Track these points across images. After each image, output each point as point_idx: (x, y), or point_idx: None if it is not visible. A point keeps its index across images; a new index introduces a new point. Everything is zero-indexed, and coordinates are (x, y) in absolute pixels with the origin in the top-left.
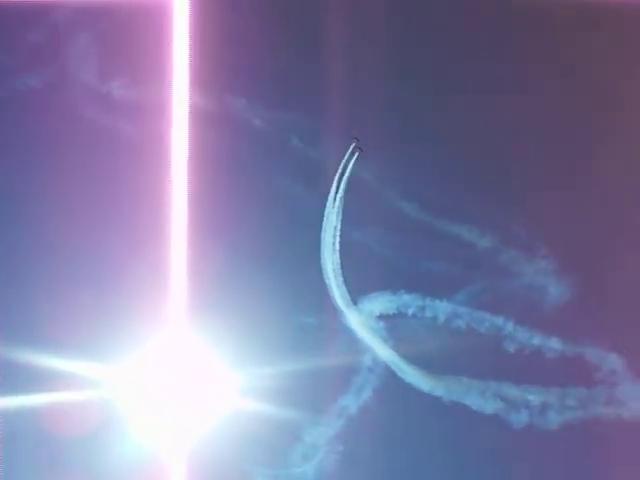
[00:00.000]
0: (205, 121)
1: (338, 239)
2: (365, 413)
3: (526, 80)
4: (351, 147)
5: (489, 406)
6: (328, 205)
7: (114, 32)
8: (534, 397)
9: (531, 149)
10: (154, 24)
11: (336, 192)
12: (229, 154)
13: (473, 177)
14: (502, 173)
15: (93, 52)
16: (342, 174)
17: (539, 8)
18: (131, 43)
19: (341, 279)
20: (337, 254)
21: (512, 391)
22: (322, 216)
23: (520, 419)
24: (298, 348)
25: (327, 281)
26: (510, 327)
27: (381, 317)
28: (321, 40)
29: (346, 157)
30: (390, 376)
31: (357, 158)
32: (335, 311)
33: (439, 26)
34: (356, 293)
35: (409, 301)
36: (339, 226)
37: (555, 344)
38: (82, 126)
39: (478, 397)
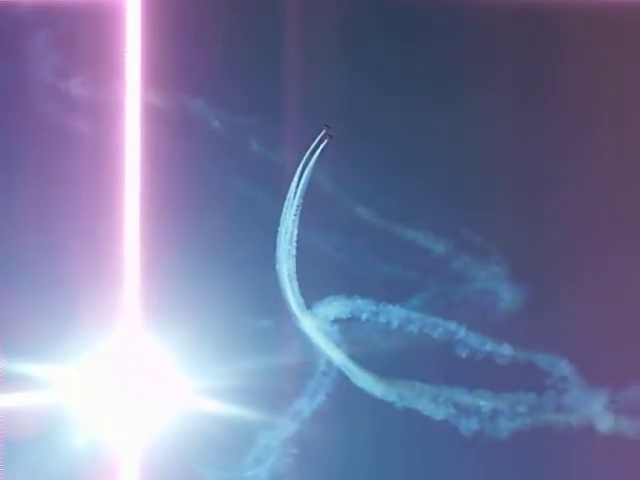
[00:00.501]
0: (162, 121)
1: (294, 244)
2: (319, 417)
3: (479, 87)
4: (322, 133)
5: (441, 412)
6: (285, 209)
7: (70, 31)
8: (485, 403)
9: (486, 157)
10: (110, 24)
11: (294, 196)
12: (186, 155)
13: (429, 184)
14: (457, 181)
15: (50, 50)
16: (307, 162)
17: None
18: (88, 42)
19: (296, 284)
20: (293, 259)
21: (464, 397)
22: (279, 220)
23: (471, 425)
24: (253, 351)
25: (282, 286)
26: (462, 332)
27: (335, 321)
28: (281, 46)
29: (315, 143)
30: (344, 380)
31: (314, 163)
32: (290, 315)
33: (393, 29)
34: (311, 297)
35: (363, 306)
36: (296, 231)
37: (506, 350)
38: (38, 123)
39: (430, 403)
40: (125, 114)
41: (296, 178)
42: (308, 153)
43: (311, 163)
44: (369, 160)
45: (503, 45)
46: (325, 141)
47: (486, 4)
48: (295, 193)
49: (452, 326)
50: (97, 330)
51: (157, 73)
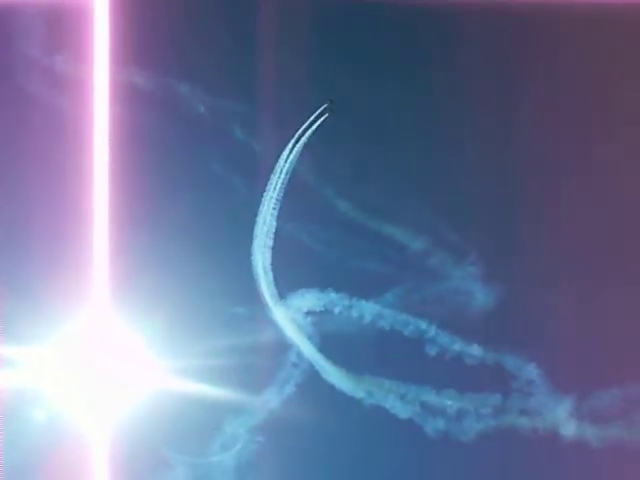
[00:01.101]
0: (145, 102)
1: (272, 235)
2: (287, 407)
3: (464, 87)
4: (323, 107)
5: (407, 410)
6: (265, 200)
7: (53, 7)
8: (451, 402)
9: (468, 157)
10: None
11: (275, 186)
12: (168, 138)
13: (410, 181)
14: (439, 179)
15: (32, 26)
16: (300, 136)
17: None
18: (71, 20)
19: (271, 275)
20: (269, 251)
21: (431, 396)
22: (258, 209)
23: (436, 426)
24: (224, 337)
25: (256, 276)
26: (433, 331)
27: (308, 314)
28: (270, 36)
29: (314, 115)
30: (314, 373)
31: (298, 155)
32: (264, 304)
33: (374, 27)
34: (285, 288)
35: (336, 300)
36: (274, 222)
37: (475, 350)
38: (15, 96)
39: (397, 400)
40: (105, 93)
41: (281, 162)
42: (304, 127)
43: (305, 137)
44: (352, 153)
45: (479, 43)
46: (325, 115)
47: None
48: (277, 182)
49: (423, 324)
50: (66, 310)
51: (143, 54)
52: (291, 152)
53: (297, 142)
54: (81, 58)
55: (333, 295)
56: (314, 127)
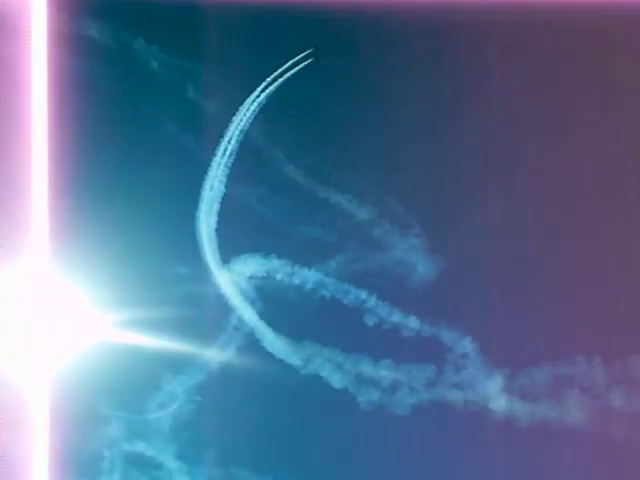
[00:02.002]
0: (97, 55)
1: (219, 200)
2: (226, 370)
3: (408, 64)
4: (307, 52)
5: (343, 380)
6: (214, 164)
7: None
8: (387, 373)
9: (418, 132)
10: None
11: (224, 151)
12: (120, 92)
13: (360, 150)
14: (388, 150)
15: None
16: (278, 77)
17: None
18: None
19: (215, 240)
20: (215, 216)
21: (367, 367)
22: (207, 170)
23: (371, 397)
24: (167, 297)
25: (200, 240)
26: (372, 301)
27: (251, 278)
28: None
29: (296, 59)
30: (255, 338)
31: (252, 116)
32: (208, 266)
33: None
34: (230, 252)
35: (279, 266)
36: (223, 188)
37: (413, 322)
38: None
39: (334, 370)
40: (56, 43)
41: (233, 126)
42: (284, 67)
43: (281, 80)
44: (304, 120)
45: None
46: (308, 61)
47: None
48: (226, 148)
49: (363, 294)
50: (6, 263)
51: (99, 6)
52: (244, 115)
53: (253, 103)
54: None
55: (276, 261)
56: (291, 72)
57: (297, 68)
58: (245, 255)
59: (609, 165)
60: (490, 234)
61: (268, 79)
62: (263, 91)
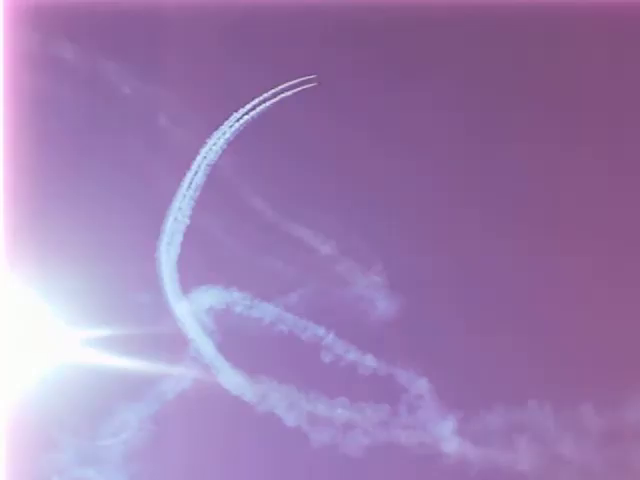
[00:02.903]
0: (71, 77)
1: (182, 231)
2: (181, 401)
3: (378, 102)
4: (311, 77)
5: (297, 418)
6: (179, 196)
7: None
8: (341, 411)
9: (382, 170)
10: None
11: (190, 184)
12: (90, 115)
13: (327, 187)
14: (353, 189)
15: None
16: (275, 96)
17: None
18: None
19: (176, 270)
20: (178, 247)
21: (321, 405)
22: (172, 198)
23: (323, 437)
24: (127, 324)
25: (161, 268)
26: (330, 338)
27: (210, 310)
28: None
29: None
30: (211, 370)
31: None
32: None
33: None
34: (190, 282)
35: (239, 299)
36: (187, 220)
37: (369, 361)
38: None
39: (288, 408)
40: (26, 62)
41: (200, 158)
42: (255, 102)
43: (251, 114)
44: (272, 155)
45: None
46: (311, 85)
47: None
48: (193, 180)
49: (320, 331)
50: None
51: (74, 27)
52: (212, 147)
53: (222, 135)
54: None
55: (236, 294)
56: (289, 92)
57: (267, 103)
58: (205, 286)
59: (565, 210)
60: (452, 276)
61: (238, 113)
62: (233, 124)
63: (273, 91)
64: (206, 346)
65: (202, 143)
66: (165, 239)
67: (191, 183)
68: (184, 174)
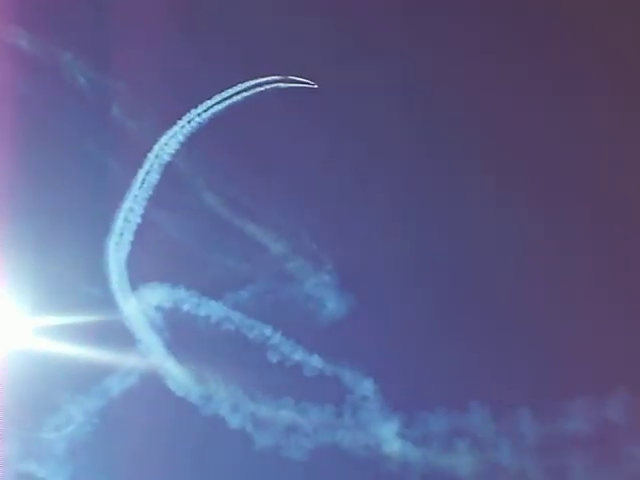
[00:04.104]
0: (26, 66)
1: (132, 231)
2: (127, 397)
3: (343, 101)
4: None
5: (241, 419)
6: (131, 196)
7: None
8: (286, 413)
9: (336, 172)
10: None
11: (142, 183)
12: (43, 104)
13: (279, 185)
14: (307, 187)
15: None
16: (207, 108)
17: None
18: None
19: (125, 268)
20: (128, 246)
21: (266, 406)
22: (125, 191)
23: (266, 440)
24: (76, 317)
25: (111, 264)
26: (277, 338)
27: (158, 308)
28: (163, 20)
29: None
30: (159, 368)
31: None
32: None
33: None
34: (139, 279)
35: (186, 297)
36: (138, 219)
37: (316, 361)
38: None
39: (233, 408)
40: None
41: (152, 156)
42: (214, 100)
43: (208, 111)
44: (226, 150)
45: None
46: (309, 85)
47: None
48: (144, 179)
49: (268, 330)
50: None
51: (30, 16)
52: (167, 143)
53: (178, 131)
54: None
55: (183, 292)
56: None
57: (227, 101)
58: (153, 283)
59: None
60: (403, 277)
61: (195, 110)
62: (190, 121)
63: (234, 89)
64: (154, 344)
65: (157, 137)
66: (114, 238)
67: (143, 182)
68: (138, 168)
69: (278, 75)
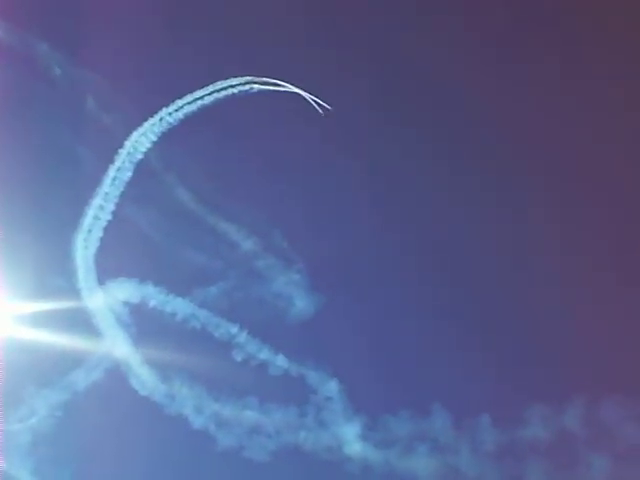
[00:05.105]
0: (2, 57)
1: (102, 226)
2: (91, 392)
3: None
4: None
5: (204, 419)
6: (105, 185)
7: None
8: (249, 413)
9: (308, 172)
10: None
11: (113, 180)
12: (18, 94)
13: (251, 184)
14: (279, 187)
15: None
16: (183, 105)
17: None
18: None
19: (93, 259)
20: (96, 241)
21: (230, 406)
22: (98, 183)
23: (229, 440)
24: (43, 305)
25: (78, 257)
26: (243, 337)
27: (126, 304)
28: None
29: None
30: (124, 364)
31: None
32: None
33: None
34: (108, 274)
35: (154, 293)
36: (108, 216)
37: (281, 361)
38: None
39: (196, 408)
40: None
41: (124, 152)
42: (192, 96)
43: (183, 108)
44: (200, 147)
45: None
46: (320, 110)
47: None
48: (115, 176)
49: (234, 329)
50: None
51: (7, 4)
52: (141, 138)
53: (152, 127)
54: None
55: (151, 288)
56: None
57: (208, 98)
58: (121, 279)
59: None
60: (371, 278)
61: (171, 106)
62: (164, 118)
63: (211, 88)
64: (120, 339)
65: (131, 131)
66: (82, 235)
67: (114, 179)
68: (111, 161)
69: (251, 75)
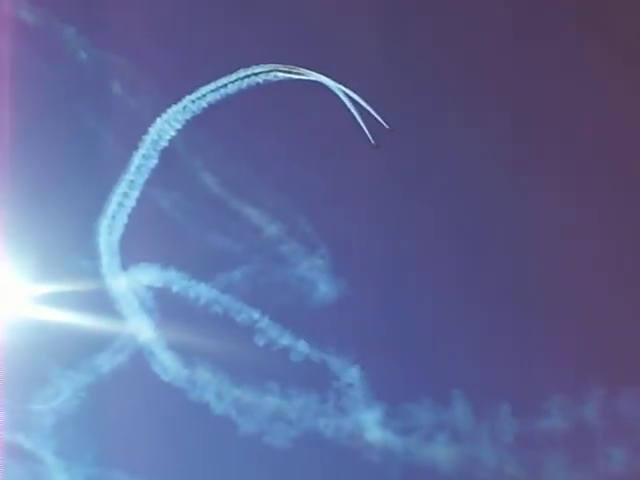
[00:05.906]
0: (28, 38)
1: (126, 213)
2: (115, 375)
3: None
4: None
5: (225, 405)
6: (129, 173)
7: None
8: (270, 399)
9: (333, 158)
10: None
11: (138, 169)
12: (44, 78)
13: (276, 168)
14: (304, 172)
15: None
16: (208, 92)
17: None
18: None
19: (116, 247)
20: (121, 227)
21: (250, 392)
22: (122, 168)
23: (250, 426)
24: (68, 287)
25: (103, 241)
26: (264, 322)
27: (149, 288)
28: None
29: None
30: (148, 348)
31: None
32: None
33: None
34: (132, 258)
35: (176, 278)
36: (134, 195)
37: (302, 347)
38: None
39: (217, 393)
40: None
41: (149, 140)
42: (218, 83)
43: (208, 95)
44: (226, 132)
45: None
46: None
47: None
48: (141, 164)
49: (255, 314)
50: None
51: None
52: (162, 130)
53: (177, 113)
54: None
55: (173, 274)
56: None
57: (231, 86)
58: (145, 263)
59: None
60: (395, 264)
61: (195, 94)
62: (185, 107)
63: (235, 76)
64: (145, 324)
65: (157, 115)
66: (106, 221)
67: (140, 167)
68: (136, 146)
69: (277, 64)
